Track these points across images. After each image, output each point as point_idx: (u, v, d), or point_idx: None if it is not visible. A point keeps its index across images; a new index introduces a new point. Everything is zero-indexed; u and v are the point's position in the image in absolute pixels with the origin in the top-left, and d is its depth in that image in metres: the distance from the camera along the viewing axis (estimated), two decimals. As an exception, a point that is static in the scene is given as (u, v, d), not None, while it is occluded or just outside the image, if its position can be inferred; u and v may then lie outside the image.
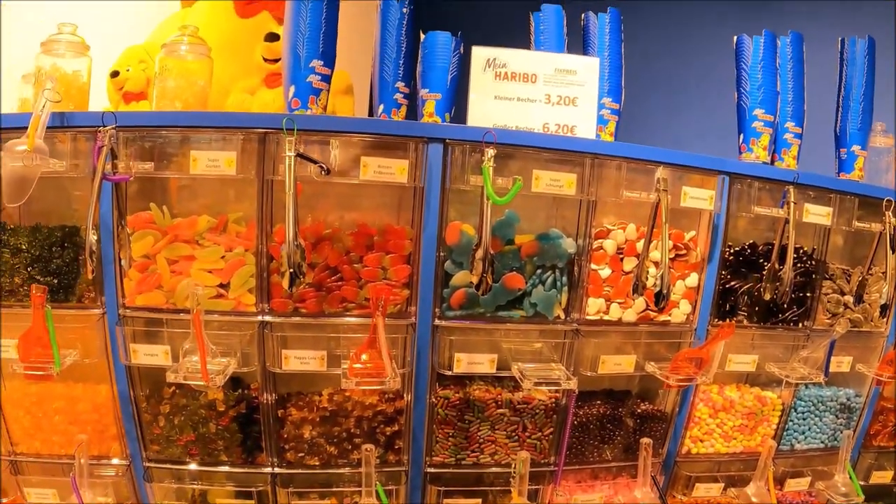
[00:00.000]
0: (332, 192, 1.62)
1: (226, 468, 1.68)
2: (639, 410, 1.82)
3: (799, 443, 1.98)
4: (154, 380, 1.63)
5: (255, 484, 1.67)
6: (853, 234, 1.92)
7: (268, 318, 1.59)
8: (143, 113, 1.87)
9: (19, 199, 1.40)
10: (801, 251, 1.85)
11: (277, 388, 1.66)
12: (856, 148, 1.93)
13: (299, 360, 1.57)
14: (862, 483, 1.97)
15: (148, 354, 1.56)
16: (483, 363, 1.63)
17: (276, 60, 1.95)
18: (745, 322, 1.82)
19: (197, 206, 1.61)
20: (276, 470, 1.67)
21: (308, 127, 1.49)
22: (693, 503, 1.89)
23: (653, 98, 3.56)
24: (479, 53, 1.67)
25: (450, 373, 1.63)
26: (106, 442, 1.67)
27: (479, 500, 1.73)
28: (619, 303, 1.71)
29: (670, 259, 1.69)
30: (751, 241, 1.83)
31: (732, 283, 1.81)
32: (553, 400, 1.72)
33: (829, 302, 1.92)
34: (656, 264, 1.63)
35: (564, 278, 1.66)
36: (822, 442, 2.00)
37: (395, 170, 1.51)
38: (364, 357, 1.51)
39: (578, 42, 1.84)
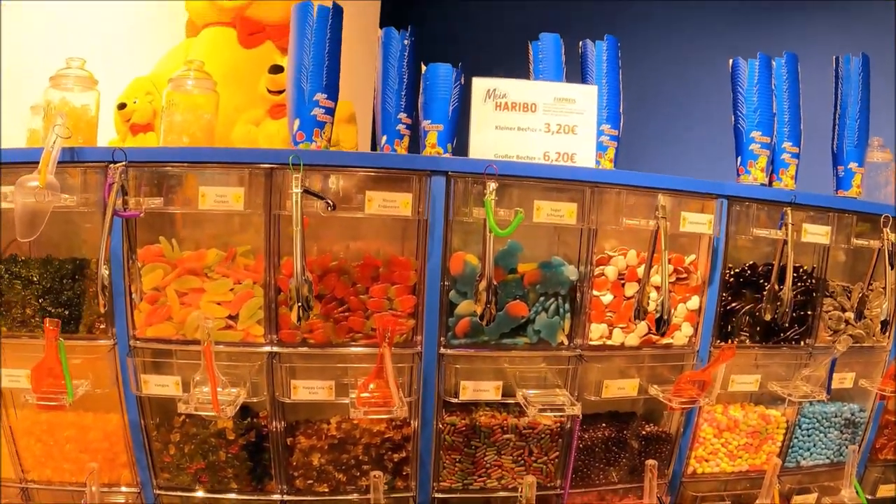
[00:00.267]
0: (337, 222, 1.64)
1: (235, 495, 1.69)
2: (643, 432, 1.83)
3: (805, 459, 1.98)
4: (164, 409, 1.65)
5: (264, 511, 1.68)
6: (853, 250, 1.92)
7: (276, 348, 1.61)
8: (153, 149, 1.89)
9: (32, 235, 1.43)
10: (801, 270, 1.87)
11: (286, 417, 1.68)
12: (853, 165, 1.94)
13: (308, 389, 1.59)
14: (869, 497, 1.98)
15: (159, 385, 1.57)
16: (488, 390, 1.64)
17: (280, 92, 1.98)
18: (747, 342, 1.84)
19: (204, 235, 1.63)
20: (286, 497, 1.69)
21: (314, 162, 1.52)
22: (700, 523, 1.91)
23: (651, 123, 3.57)
24: (480, 84, 1.69)
25: (456, 400, 1.64)
26: (116, 470, 1.68)
27: (487, 524, 1.74)
28: (622, 328, 1.73)
29: (671, 283, 1.71)
30: (751, 262, 1.84)
31: (733, 305, 1.82)
32: (558, 424, 1.74)
33: (830, 319, 1.93)
34: (657, 289, 1.65)
35: (567, 305, 1.68)
36: (827, 458, 2.00)
37: (400, 203, 1.53)
38: (372, 386, 1.52)
39: (577, 70, 1.86)
